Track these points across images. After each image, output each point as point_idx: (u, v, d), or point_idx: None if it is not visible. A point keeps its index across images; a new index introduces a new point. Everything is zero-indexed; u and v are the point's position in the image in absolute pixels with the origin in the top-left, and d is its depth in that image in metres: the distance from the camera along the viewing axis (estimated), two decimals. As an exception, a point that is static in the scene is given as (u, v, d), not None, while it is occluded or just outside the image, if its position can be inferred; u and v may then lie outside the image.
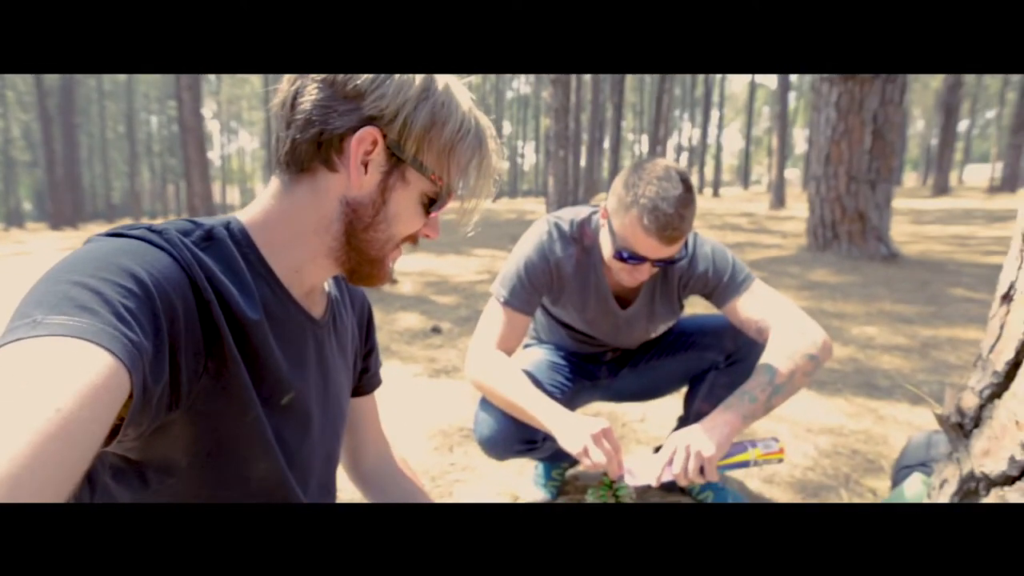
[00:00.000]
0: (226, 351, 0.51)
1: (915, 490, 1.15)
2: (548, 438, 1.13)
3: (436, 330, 3.43)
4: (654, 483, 0.99)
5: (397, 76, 0.55)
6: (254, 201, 0.60)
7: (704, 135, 25.96)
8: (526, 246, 1.23)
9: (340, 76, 0.55)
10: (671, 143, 37.09)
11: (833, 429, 1.95)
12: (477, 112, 0.61)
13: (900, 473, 1.41)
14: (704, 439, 0.98)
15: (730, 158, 58.10)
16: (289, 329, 0.60)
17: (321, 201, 0.58)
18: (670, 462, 0.99)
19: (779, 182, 14.01)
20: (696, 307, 1.68)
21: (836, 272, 5.06)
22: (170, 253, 0.48)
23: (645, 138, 31.64)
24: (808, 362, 1.08)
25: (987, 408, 0.80)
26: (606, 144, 23.17)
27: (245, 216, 0.59)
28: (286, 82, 0.57)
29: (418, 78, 0.56)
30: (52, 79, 21.66)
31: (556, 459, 1.42)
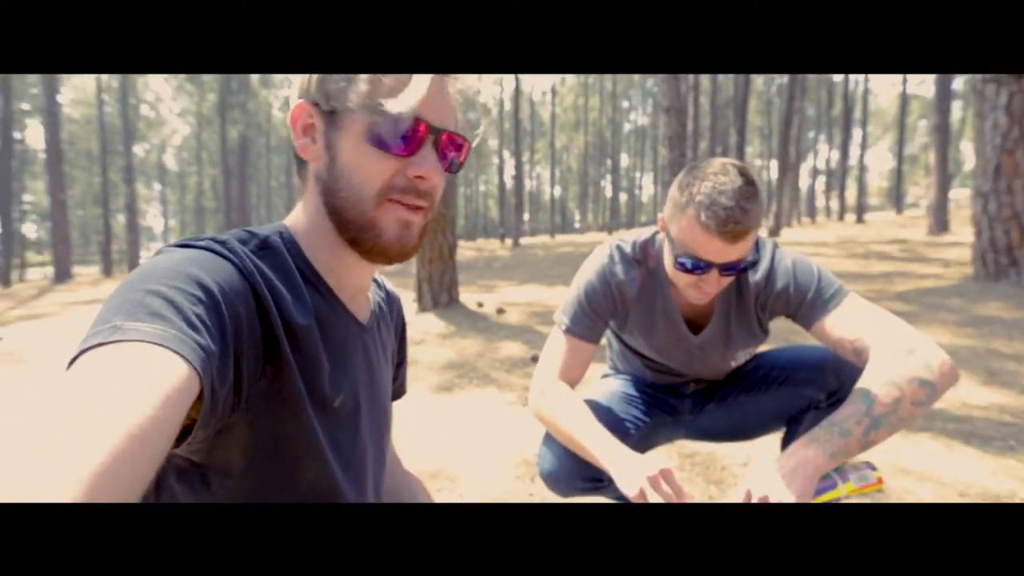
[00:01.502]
0: (282, 355, 0.53)
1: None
2: (615, 477, 1.04)
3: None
4: None
5: None
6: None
7: (844, 156, 23.42)
8: (587, 271, 1.17)
9: None
10: (805, 167, 34.08)
11: (998, 496, 1.58)
12: None
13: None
14: (779, 487, 0.83)
15: (878, 179, 51.94)
16: (339, 333, 0.61)
17: (311, 191, 0.61)
18: None
19: (940, 203, 12.14)
20: (796, 335, 1.47)
21: (1013, 306, 4.20)
22: (233, 262, 0.51)
23: (774, 163, 29.45)
24: (919, 389, 0.87)
25: None
26: (729, 170, 21.88)
27: (289, 222, 0.63)
28: None
29: None
30: (234, 138, 25.72)
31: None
